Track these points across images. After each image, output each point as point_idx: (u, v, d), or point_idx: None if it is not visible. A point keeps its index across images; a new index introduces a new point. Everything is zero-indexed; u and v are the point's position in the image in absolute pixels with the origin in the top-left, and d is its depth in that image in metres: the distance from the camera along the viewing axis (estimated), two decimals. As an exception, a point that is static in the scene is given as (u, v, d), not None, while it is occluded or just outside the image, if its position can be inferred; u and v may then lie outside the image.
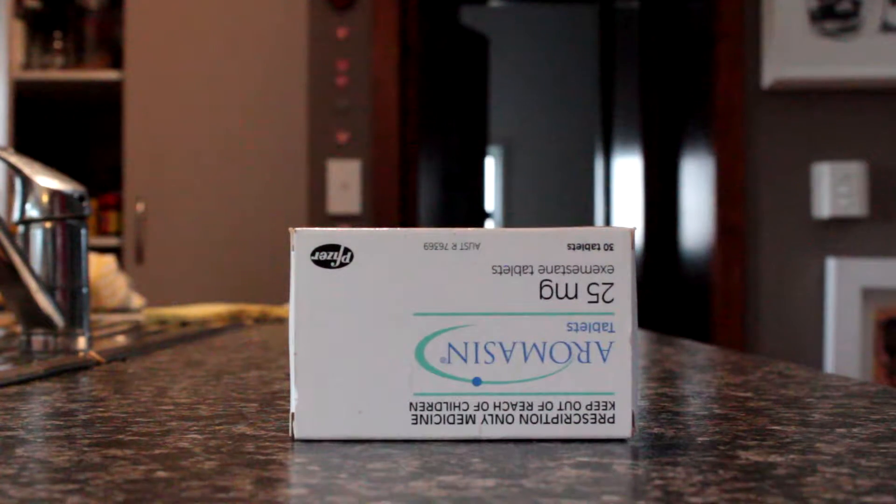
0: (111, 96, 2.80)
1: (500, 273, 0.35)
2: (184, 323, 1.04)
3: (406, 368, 0.35)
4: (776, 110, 2.44)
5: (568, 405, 0.35)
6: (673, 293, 3.12)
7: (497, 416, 0.35)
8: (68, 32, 2.93)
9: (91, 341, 0.67)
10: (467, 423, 0.35)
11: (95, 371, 0.59)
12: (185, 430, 0.37)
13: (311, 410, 0.35)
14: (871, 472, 0.30)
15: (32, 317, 0.64)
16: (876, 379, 2.42)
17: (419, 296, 0.35)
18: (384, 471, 0.30)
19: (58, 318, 0.65)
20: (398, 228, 0.36)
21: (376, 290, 0.35)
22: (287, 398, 0.47)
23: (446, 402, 0.35)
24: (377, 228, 0.35)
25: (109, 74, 2.85)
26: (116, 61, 2.85)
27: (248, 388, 0.51)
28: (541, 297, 0.35)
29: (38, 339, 0.65)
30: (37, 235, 0.65)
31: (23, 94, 2.82)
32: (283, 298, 1.71)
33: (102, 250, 2.22)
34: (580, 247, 0.35)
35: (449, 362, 0.35)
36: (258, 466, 0.30)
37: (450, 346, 0.35)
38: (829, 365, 2.44)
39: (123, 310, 1.34)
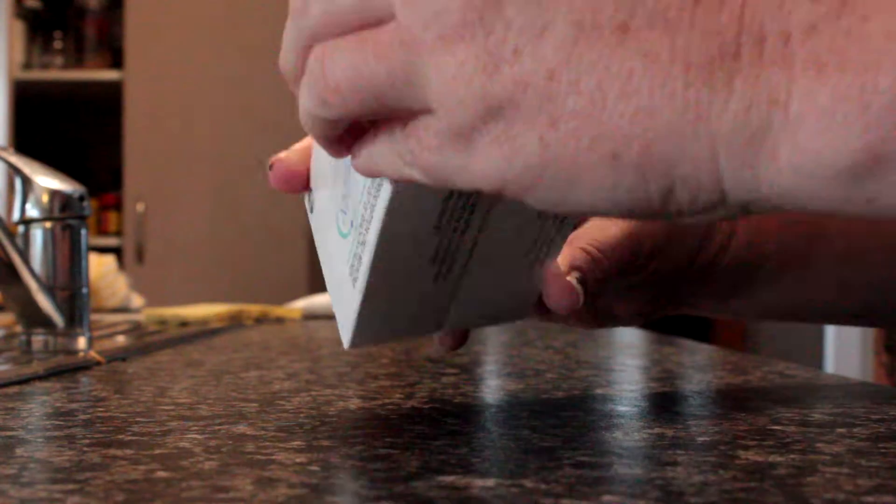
0: (111, 96, 2.80)
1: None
2: (184, 323, 1.04)
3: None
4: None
5: None
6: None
7: None
8: (68, 32, 2.92)
9: (91, 341, 0.67)
10: None
11: (95, 371, 0.59)
12: (185, 430, 0.37)
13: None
14: (871, 472, 0.30)
15: (32, 317, 0.64)
16: (876, 379, 2.42)
17: (328, 194, 0.38)
18: (384, 471, 0.30)
19: (58, 318, 0.65)
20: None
21: (323, 214, 0.39)
22: (287, 398, 0.47)
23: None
24: None
25: (109, 74, 2.85)
26: (116, 61, 2.85)
27: (248, 388, 0.51)
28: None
29: (38, 339, 0.65)
30: (37, 235, 0.65)
31: (23, 94, 2.82)
32: (283, 298, 1.71)
33: (102, 250, 2.22)
34: None
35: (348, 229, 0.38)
36: (258, 466, 0.30)
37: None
38: (829, 365, 2.44)
39: (123, 310, 1.34)
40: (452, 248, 0.37)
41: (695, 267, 0.49)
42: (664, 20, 0.25)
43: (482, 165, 0.28)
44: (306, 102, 0.31)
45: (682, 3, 0.25)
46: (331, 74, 0.29)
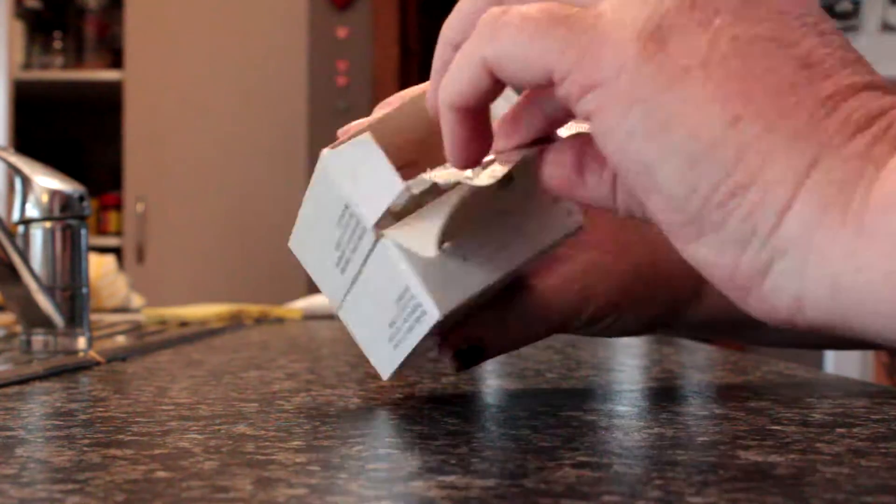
0: (111, 96, 2.80)
1: None
2: (184, 323, 1.04)
3: None
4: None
5: None
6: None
7: None
8: (68, 32, 2.92)
9: (91, 341, 0.67)
10: None
11: (95, 371, 0.59)
12: (185, 430, 0.37)
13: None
14: (871, 472, 0.30)
15: (32, 317, 0.64)
16: (876, 379, 2.41)
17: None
18: (384, 471, 0.30)
19: (58, 318, 0.65)
20: None
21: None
22: (287, 398, 0.47)
23: None
24: None
25: (109, 74, 2.84)
26: (116, 61, 2.85)
27: (248, 388, 0.51)
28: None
29: (38, 339, 0.65)
30: (37, 235, 0.65)
31: (22, 94, 2.82)
32: (283, 298, 1.71)
33: (102, 250, 2.22)
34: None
35: None
36: (258, 466, 0.30)
37: None
38: (829, 365, 2.44)
39: (123, 310, 1.34)
40: (350, 250, 0.41)
41: (678, 321, 0.52)
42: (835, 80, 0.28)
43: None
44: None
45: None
46: None
